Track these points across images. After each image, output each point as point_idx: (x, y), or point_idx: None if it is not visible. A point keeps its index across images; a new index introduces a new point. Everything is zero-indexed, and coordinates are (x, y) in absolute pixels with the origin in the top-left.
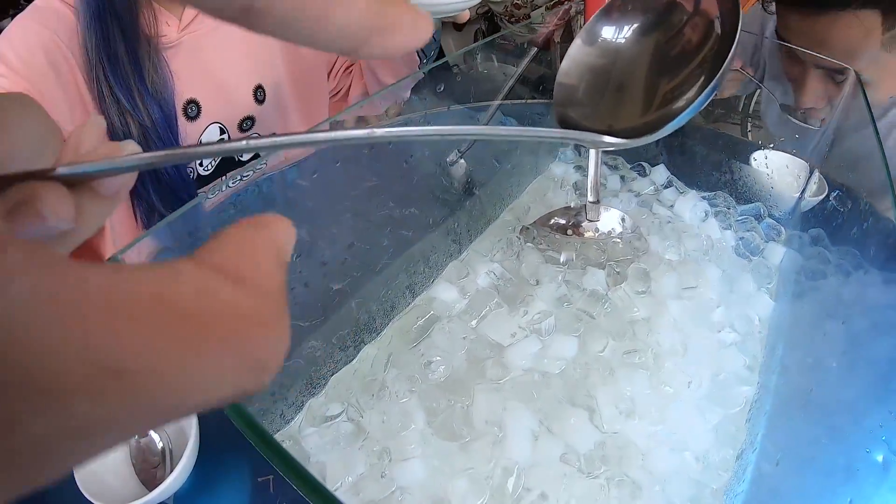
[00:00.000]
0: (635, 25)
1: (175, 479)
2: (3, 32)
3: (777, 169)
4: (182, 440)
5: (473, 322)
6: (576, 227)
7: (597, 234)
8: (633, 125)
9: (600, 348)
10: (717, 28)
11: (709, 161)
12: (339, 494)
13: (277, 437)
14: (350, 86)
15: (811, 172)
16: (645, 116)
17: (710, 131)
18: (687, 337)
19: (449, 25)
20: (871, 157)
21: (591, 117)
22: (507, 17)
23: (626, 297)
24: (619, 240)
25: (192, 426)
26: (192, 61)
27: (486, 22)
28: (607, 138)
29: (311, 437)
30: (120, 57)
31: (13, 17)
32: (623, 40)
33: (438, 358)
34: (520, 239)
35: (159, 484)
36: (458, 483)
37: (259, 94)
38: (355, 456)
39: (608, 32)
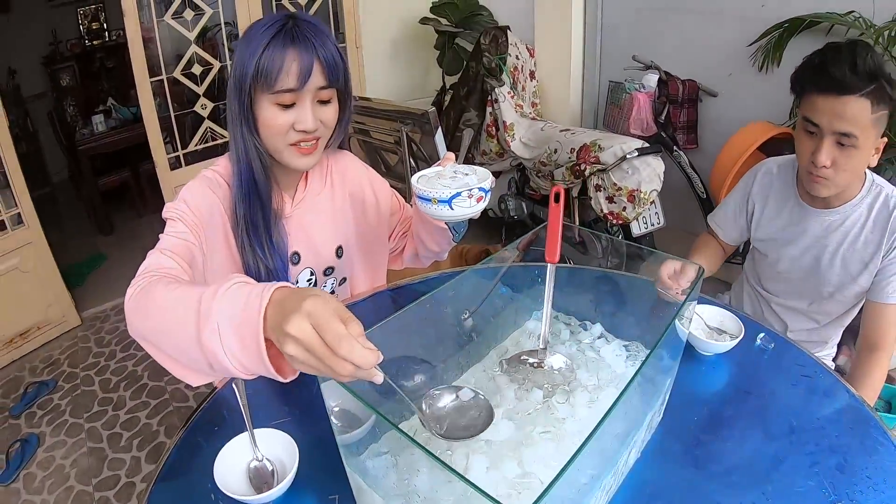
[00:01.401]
0: None
1: (275, 491)
2: (186, 186)
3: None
4: (285, 470)
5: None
6: (535, 363)
7: (546, 369)
8: None
9: (531, 430)
10: None
11: (634, 315)
12: None
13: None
14: (405, 247)
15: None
16: None
17: (644, 291)
18: (585, 427)
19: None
20: None
21: None
22: (535, 172)
23: (553, 405)
24: (557, 371)
25: (294, 461)
26: (298, 226)
27: (519, 173)
28: None
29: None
30: (259, 223)
31: (103, 112)
32: None
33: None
34: (500, 368)
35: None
36: None
37: (339, 251)
38: None
39: None
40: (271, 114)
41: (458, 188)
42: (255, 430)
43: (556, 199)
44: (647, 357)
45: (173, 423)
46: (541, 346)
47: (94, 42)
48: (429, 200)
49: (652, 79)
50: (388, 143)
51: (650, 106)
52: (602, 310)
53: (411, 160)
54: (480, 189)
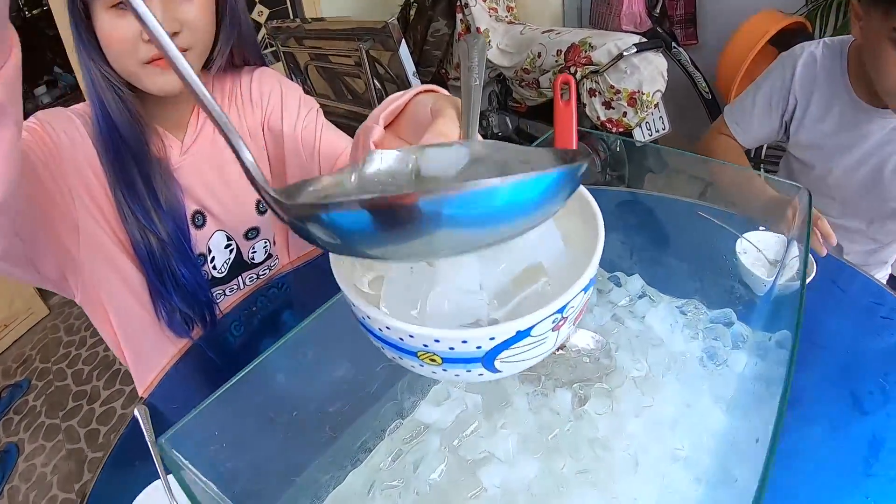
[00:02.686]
0: None
1: None
2: (49, 111)
3: (758, 255)
4: None
5: (455, 440)
6: None
7: (569, 353)
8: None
9: (560, 466)
10: None
11: (687, 260)
12: None
13: None
14: None
15: (788, 248)
16: None
17: (690, 220)
18: (640, 453)
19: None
20: None
21: None
22: (517, 81)
23: (589, 418)
24: (588, 359)
25: None
26: (195, 178)
27: (499, 84)
28: None
29: None
30: (135, 180)
31: (46, 83)
32: None
33: (420, 475)
34: None
35: None
36: None
37: (261, 206)
38: None
39: None
40: (109, 24)
41: (508, 323)
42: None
43: (565, 95)
44: (792, 352)
45: None
46: None
47: (34, 11)
48: (406, 352)
49: None
50: (350, 66)
51: None
52: (640, 255)
53: (376, 82)
54: (585, 289)
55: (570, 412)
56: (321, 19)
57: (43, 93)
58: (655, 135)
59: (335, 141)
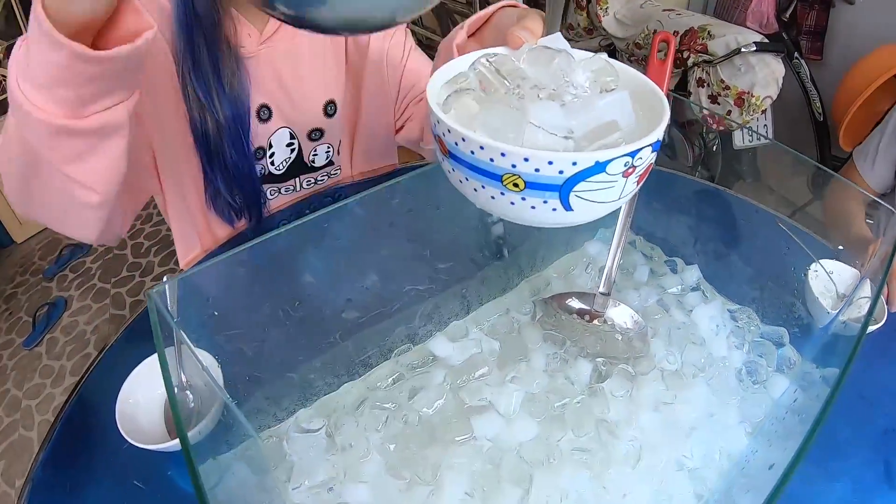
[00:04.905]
0: None
1: (196, 431)
2: None
3: (829, 285)
4: (210, 404)
5: (459, 380)
6: (588, 312)
7: (604, 326)
8: None
9: (558, 438)
10: None
11: (754, 266)
12: (294, 493)
13: (266, 433)
14: (406, 122)
15: (859, 285)
16: None
17: (768, 230)
18: (645, 449)
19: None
20: None
21: None
22: (626, 54)
23: (603, 396)
24: (620, 336)
25: (218, 396)
26: (268, 70)
27: (609, 55)
28: None
29: (293, 441)
30: (202, 60)
31: None
32: None
33: (414, 404)
34: (531, 313)
35: None
36: None
37: (330, 108)
38: (320, 466)
39: None
40: None
41: (589, 152)
42: (168, 350)
43: (662, 54)
44: (832, 392)
45: None
46: (601, 290)
47: None
48: (487, 174)
49: None
50: (461, 4)
51: None
52: (705, 246)
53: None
54: (653, 147)
55: (586, 385)
56: None
57: None
58: (756, 142)
59: (422, 65)
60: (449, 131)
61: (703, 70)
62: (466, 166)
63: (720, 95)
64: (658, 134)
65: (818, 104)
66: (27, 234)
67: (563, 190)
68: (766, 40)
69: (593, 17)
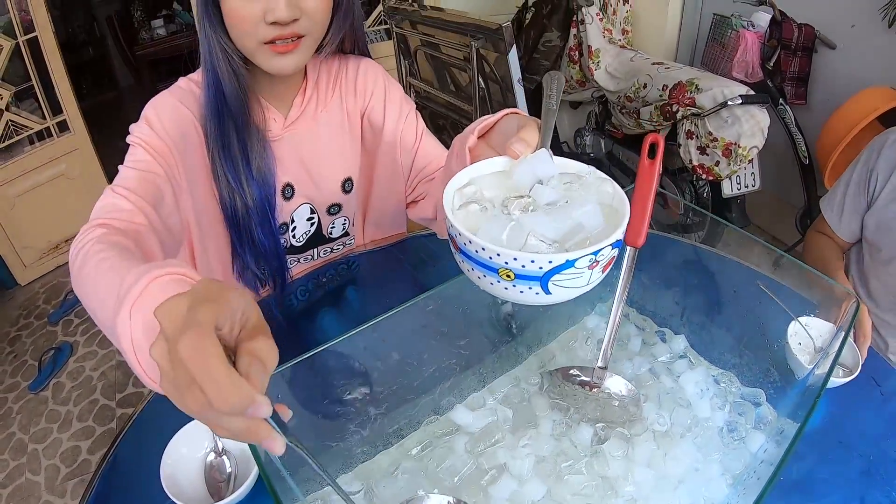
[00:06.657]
0: None
1: (236, 496)
2: (151, 102)
3: (808, 340)
4: (247, 469)
5: (478, 447)
6: (588, 383)
7: (602, 394)
8: None
9: (565, 495)
10: None
11: (735, 332)
12: None
13: (311, 497)
14: (419, 199)
15: (833, 339)
16: None
17: (749, 290)
18: (640, 501)
19: (566, 103)
20: None
21: None
22: (618, 107)
23: (603, 456)
24: (617, 403)
25: (252, 462)
26: (292, 152)
27: (601, 106)
28: None
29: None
30: (232, 144)
31: (164, 17)
32: None
33: (440, 472)
34: (539, 383)
35: (223, 498)
36: None
37: (347, 185)
38: None
39: None
40: (237, 2)
41: (561, 253)
42: None
43: (652, 154)
44: (792, 442)
45: None
46: (599, 364)
47: None
48: (487, 267)
49: (764, 17)
50: (458, 60)
51: (758, 48)
52: (690, 317)
53: (481, 80)
54: (613, 245)
55: (588, 448)
56: (439, 9)
57: (159, 25)
58: (744, 190)
59: (432, 148)
60: (460, 234)
61: (691, 122)
62: (473, 261)
63: (709, 147)
64: (617, 236)
65: (804, 148)
66: (31, 277)
67: (543, 280)
68: (752, 92)
69: (585, 70)
